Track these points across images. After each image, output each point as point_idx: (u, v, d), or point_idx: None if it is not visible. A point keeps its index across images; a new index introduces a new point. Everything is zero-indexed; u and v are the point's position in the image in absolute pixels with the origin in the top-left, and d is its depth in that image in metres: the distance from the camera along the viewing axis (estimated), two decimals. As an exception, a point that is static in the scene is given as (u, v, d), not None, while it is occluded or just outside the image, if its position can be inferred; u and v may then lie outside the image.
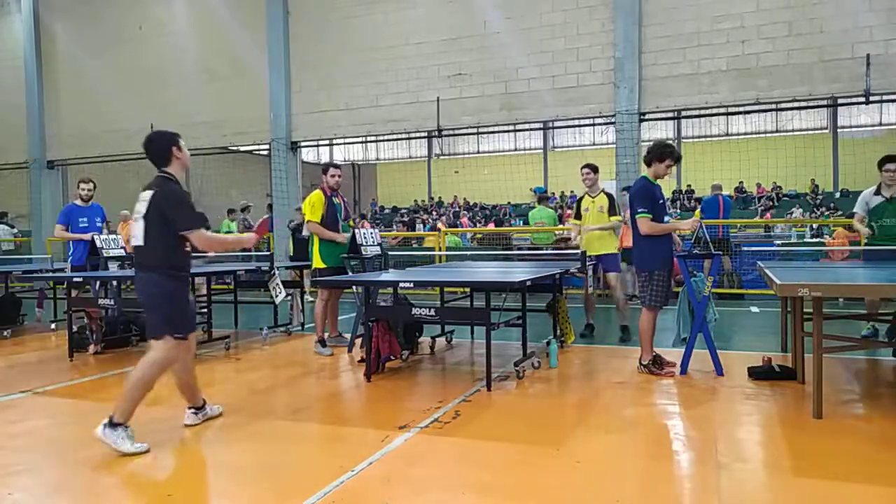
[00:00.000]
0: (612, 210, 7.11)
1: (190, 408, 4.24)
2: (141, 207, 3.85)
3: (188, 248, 3.94)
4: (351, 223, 7.11)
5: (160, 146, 3.96)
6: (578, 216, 7.41)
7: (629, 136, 11.38)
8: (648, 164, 5.51)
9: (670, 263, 5.50)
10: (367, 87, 13.45)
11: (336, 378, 5.65)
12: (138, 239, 3.86)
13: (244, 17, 14.54)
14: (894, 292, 4.59)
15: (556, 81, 12.01)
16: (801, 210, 23.32)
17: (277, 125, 14.10)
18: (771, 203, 24.74)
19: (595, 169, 7.37)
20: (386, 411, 4.57)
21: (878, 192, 6.65)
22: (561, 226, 13.17)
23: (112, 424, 3.67)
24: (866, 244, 6.85)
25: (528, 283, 5.25)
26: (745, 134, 29.76)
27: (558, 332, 6.52)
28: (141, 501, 3.10)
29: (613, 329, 7.68)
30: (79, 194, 8.06)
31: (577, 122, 17.39)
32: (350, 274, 6.51)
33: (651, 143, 5.77)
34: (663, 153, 5.42)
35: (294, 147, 14.24)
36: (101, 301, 6.55)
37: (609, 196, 7.22)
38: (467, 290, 7.41)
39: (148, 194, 3.85)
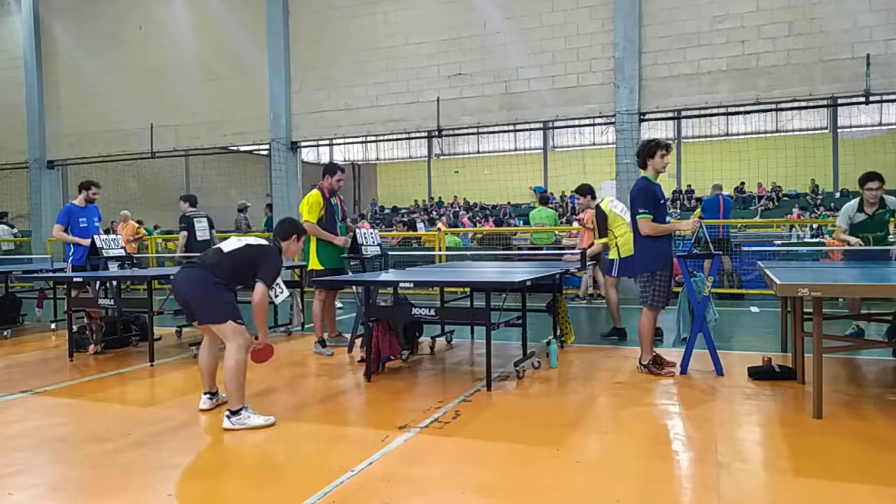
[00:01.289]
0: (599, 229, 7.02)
1: (206, 393, 4.58)
2: (253, 241, 4.49)
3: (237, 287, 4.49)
4: (348, 223, 7.11)
5: (286, 230, 4.70)
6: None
7: (629, 136, 11.37)
8: (644, 166, 5.52)
9: (671, 264, 5.50)
10: (367, 87, 13.43)
11: (336, 378, 5.65)
12: (227, 247, 4.41)
13: (244, 17, 14.52)
14: (893, 292, 4.59)
15: (556, 81, 12.01)
16: (800, 210, 23.35)
17: (277, 125, 14.09)
18: (771, 203, 24.72)
19: (582, 193, 8.00)
20: (386, 411, 4.57)
21: (860, 209, 6.65)
22: (562, 226, 13.19)
23: (233, 413, 4.15)
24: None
25: (528, 283, 5.26)
26: (745, 134, 29.80)
27: (558, 332, 6.52)
28: (141, 501, 3.09)
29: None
30: (89, 196, 8.05)
31: (577, 122, 17.41)
32: (350, 274, 6.51)
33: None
34: (651, 148, 5.46)
35: (294, 147, 14.23)
36: (101, 301, 6.55)
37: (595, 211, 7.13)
38: (467, 290, 7.41)
39: (264, 241, 4.55)
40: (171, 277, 4.53)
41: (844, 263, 6.86)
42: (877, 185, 6.48)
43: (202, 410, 4.51)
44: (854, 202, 6.77)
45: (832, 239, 11.08)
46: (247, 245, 4.41)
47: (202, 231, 9.43)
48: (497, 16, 12.40)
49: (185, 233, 9.28)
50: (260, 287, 4.27)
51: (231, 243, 4.45)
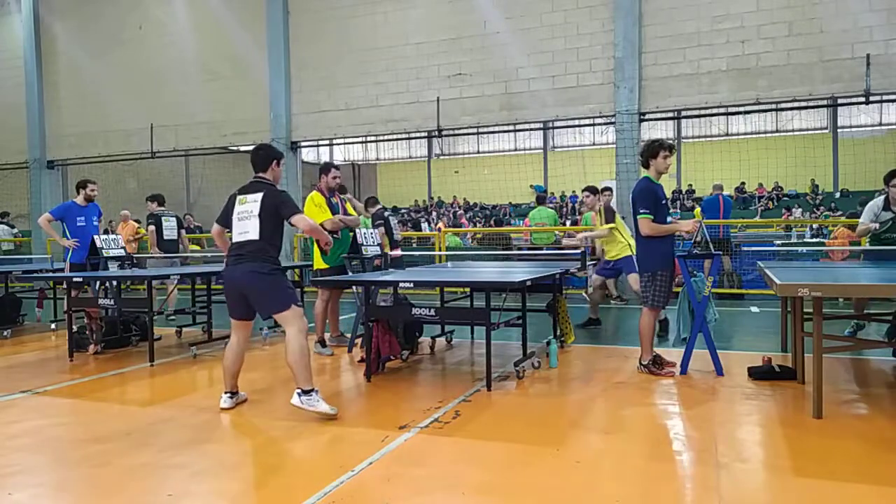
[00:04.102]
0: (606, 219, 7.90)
1: (226, 392, 4.62)
2: (252, 208, 4.38)
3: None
4: (351, 200, 7.15)
5: (264, 156, 4.59)
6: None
7: (629, 136, 11.38)
8: (646, 166, 5.51)
9: (672, 263, 5.50)
10: (367, 87, 13.44)
11: (336, 378, 5.65)
12: (252, 234, 4.36)
13: (244, 17, 14.53)
14: (894, 292, 4.59)
15: (556, 81, 12.01)
16: (801, 210, 23.34)
17: (277, 125, 14.09)
18: (771, 203, 24.69)
19: (593, 191, 8.34)
20: (386, 411, 4.57)
21: (887, 207, 6.53)
22: (562, 226, 13.19)
23: (304, 392, 4.24)
24: (868, 244, 6.84)
25: (528, 283, 5.26)
26: (745, 134, 29.76)
27: (558, 332, 6.52)
28: (141, 501, 3.10)
29: (614, 329, 7.70)
30: (87, 194, 8.04)
31: (577, 122, 17.40)
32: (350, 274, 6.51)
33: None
34: (654, 148, 5.45)
35: (294, 147, 14.24)
36: (101, 301, 6.55)
37: (605, 209, 7.95)
38: (467, 290, 7.41)
39: (258, 195, 4.39)
40: (224, 275, 4.53)
41: (861, 263, 6.74)
42: None
43: (223, 409, 4.52)
44: (879, 200, 6.62)
45: (833, 239, 11.11)
46: (261, 215, 4.34)
47: (170, 230, 9.50)
48: (497, 16, 12.41)
49: (153, 227, 9.46)
50: (297, 217, 4.35)
51: (251, 225, 4.36)
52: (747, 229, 15.66)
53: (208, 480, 3.37)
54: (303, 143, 14.55)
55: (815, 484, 3.15)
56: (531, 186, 28.59)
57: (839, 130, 28.46)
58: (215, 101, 14.83)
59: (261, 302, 4.40)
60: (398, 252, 7.73)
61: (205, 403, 4.75)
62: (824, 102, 12.00)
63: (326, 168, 6.79)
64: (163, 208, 9.69)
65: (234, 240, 4.48)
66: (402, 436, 3.89)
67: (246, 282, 4.36)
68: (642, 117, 11.56)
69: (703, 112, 12.95)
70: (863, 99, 10.58)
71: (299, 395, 4.26)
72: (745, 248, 11.32)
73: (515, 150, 33.51)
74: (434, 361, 6.25)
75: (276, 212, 4.36)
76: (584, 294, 11.00)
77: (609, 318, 8.91)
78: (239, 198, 4.48)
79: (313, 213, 6.56)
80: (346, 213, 6.93)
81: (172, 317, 8.18)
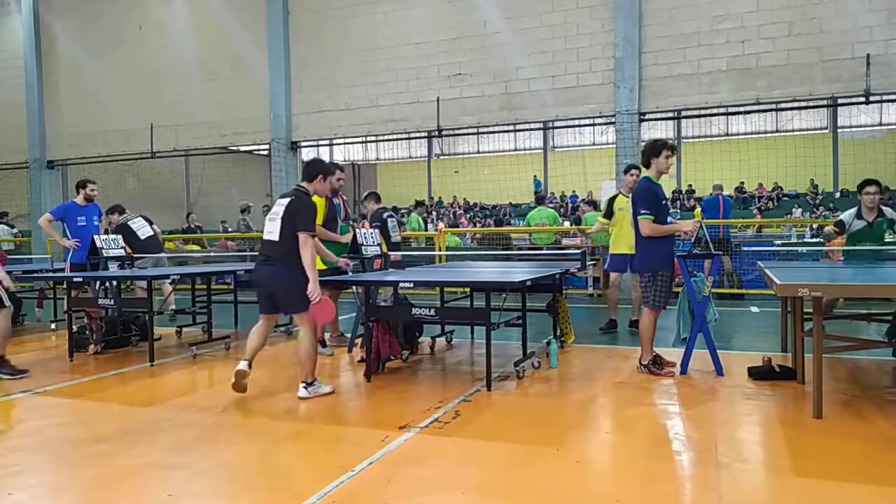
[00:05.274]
0: None
1: (245, 360, 4.91)
2: (279, 210, 4.78)
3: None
4: (351, 224, 7.11)
5: (313, 168, 5.05)
6: (609, 215, 7.62)
7: (629, 136, 11.37)
8: (648, 165, 5.51)
9: (672, 263, 5.50)
10: (367, 87, 13.43)
11: (336, 378, 5.65)
12: (274, 235, 4.75)
13: (244, 17, 14.53)
14: (893, 292, 4.60)
15: (556, 81, 12.01)
16: (801, 210, 23.35)
17: (277, 125, 14.09)
18: (771, 203, 24.69)
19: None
20: (386, 411, 4.57)
21: (859, 216, 6.60)
22: (562, 226, 13.18)
23: (308, 384, 4.84)
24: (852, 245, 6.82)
25: (528, 283, 5.26)
26: (745, 134, 29.81)
27: (558, 332, 6.52)
28: (141, 501, 3.10)
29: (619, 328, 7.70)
30: (87, 194, 8.01)
31: (577, 122, 17.40)
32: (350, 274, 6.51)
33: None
34: (658, 147, 5.47)
35: (294, 147, 14.23)
36: (101, 301, 6.55)
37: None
38: (467, 290, 7.41)
39: (286, 200, 4.81)
40: (253, 272, 5.00)
41: (860, 263, 6.75)
42: (874, 189, 6.47)
43: (240, 370, 4.78)
44: (853, 210, 6.72)
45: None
46: (283, 217, 4.72)
47: (142, 229, 9.01)
48: (497, 16, 12.40)
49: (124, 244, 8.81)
50: (302, 236, 4.66)
51: (275, 226, 4.74)
52: (747, 229, 15.66)
53: (208, 480, 3.37)
54: (303, 143, 14.53)
55: (815, 484, 3.15)
56: (533, 178, 28.63)
57: (839, 130, 28.48)
58: (215, 101, 14.82)
59: (283, 300, 4.83)
60: (397, 255, 7.67)
61: (205, 403, 4.75)
62: (824, 102, 12.00)
63: (331, 169, 6.76)
64: (124, 215, 9.24)
65: (263, 238, 4.89)
66: (402, 436, 3.89)
67: (270, 282, 4.82)
68: (642, 117, 11.56)
69: (703, 112, 12.94)
70: (863, 99, 10.57)
71: (305, 387, 4.82)
72: (745, 248, 11.33)
73: (515, 150, 33.54)
74: (434, 361, 6.25)
75: (293, 218, 4.69)
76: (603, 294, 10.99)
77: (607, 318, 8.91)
78: (277, 200, 4.90)
79: None
80: (346, 213, 6.94)
81: (174, 316, 8.19)
